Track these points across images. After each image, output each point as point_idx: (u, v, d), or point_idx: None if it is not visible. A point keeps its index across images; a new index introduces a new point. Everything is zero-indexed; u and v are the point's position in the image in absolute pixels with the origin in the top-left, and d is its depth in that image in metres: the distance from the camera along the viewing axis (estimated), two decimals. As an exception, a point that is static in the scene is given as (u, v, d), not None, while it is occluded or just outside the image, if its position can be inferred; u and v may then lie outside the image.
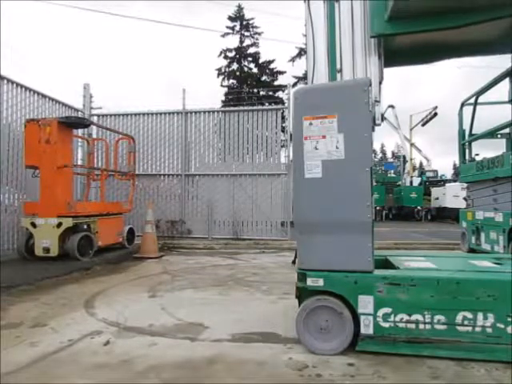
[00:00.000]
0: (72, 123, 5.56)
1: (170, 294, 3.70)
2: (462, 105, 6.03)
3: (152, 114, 8.56)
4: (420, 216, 17.85)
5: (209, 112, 8.47)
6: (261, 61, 23.31)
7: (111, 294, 3.70)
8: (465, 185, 7.23)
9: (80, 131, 7.31)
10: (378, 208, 17.58)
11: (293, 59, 23.13)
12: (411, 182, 19.24)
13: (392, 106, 17.98)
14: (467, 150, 6.20)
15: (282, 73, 23.11)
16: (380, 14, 2.17)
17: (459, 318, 2.06)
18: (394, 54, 2.55)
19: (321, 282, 2.22)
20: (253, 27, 23.45)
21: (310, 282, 2.23)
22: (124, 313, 3.05)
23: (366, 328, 2.15)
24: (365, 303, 2.15)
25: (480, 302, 2.04)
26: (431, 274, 2.21)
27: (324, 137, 2.21)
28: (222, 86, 23.52)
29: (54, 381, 1.92)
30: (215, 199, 8.22)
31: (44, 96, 6.87)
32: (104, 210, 6.00)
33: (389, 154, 61.20)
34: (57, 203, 5.10)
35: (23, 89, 6.35)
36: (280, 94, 20.64)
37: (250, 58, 23.54)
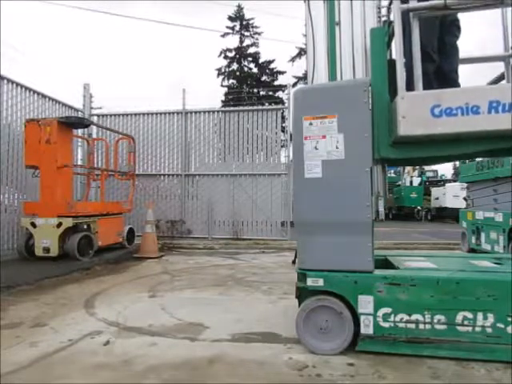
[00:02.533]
0: (72, 123, 5.56)
1: (170, 294, 3.70)
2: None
3: (152, 114, 8.56)
4: (420, 216, 17.85)
5: (209, 112, 8.47)
6: (261, 61, 23.32)
7: (111, 294, 3.70)
8: (465, 185, 7.23)
9: (80, 131, 7.31)
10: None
11: (293, 59, 23.14)
12: (411, 182, 19.22)
13: None
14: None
15: (282, 73, 23.12)
16: (384, 139, 2.21)
17: (459, 317, 2.06)
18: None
19: (321, 282, 2.22)
20: (253, 27, 23.47)
21: (310, 281, 2.23)
22: (124, 313, 3.05)
23: (366, 328, 2.15)
24: (365, 303, 2.15)
25: (480, 302, 2.04)
26: (431, 273, 2.21)
27: (324, 137, 2.21)
28: (222, 86, 23.54)
29: (54, 381, 1.92)
30: (215, 199, 8.21)
31: (44, 96, 6.86)
32: (104, 210, 6.00)
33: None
34: (57, 203, 5.10)
35: (23, 89, 6.35)
36: (280, 93, 20.65)
37: (250, 58, 23.55)
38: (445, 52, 2.62)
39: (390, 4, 2.81)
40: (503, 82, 2.72)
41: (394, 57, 2.25)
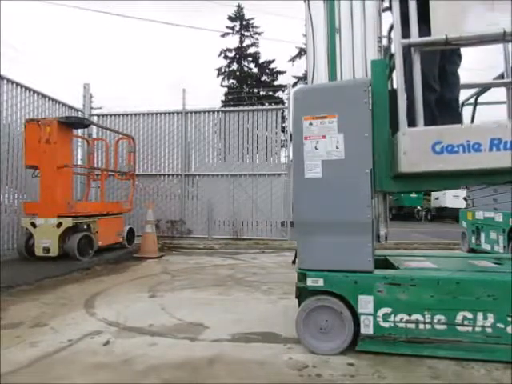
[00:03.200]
0: (72, 123, 5.56)
1: (170, 294, 3.70)
2: (462, 105, 6.02)
3: (152, 113, 8.56)
4: (420, 216, 17.86)
5: (209, 112, 8.46)
6: (261, 61, 23.34)
7: (111, 294, 3.70)
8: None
9: (80, 131, 7.31)
10: None
11: (293, 59, 23.17)
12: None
13: None
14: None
15: (282, 73, 23.14)
16: (385, 172, 2.21)
17: (459, 317, 2.06)
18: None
19: (321, 282, 2.22)
20: (253, 27, 23.49)
21: (310, 282, 2.23)
22: (124, 313, 3.05)
23: (366, 328, 2.15)
24: (365, 303, 2.15)
25: (480, 302, 2.04)
26: (431, 273, 2.21)
27: (324, 137, 2.21)
28: (221, 86, 23.56)
29: (54, 381, 1.92)
30: (215, 199, 8.21)
31: (44, 96, 6.86)
32: (104, 210, 6.00)
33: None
34: (57, 203, 5.10)
35: (23, 89, 6.35)
36: (280, 94, 20.67)
37: (250, 58, 23.57)
38: (446, 81, 2.62)
39: (390, 32, 2.82)
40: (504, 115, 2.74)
41: (395, 85, 2.24)
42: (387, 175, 2.21)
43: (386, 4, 2.64)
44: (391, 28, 2.72)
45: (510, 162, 1.96)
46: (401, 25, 2.14)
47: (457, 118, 2.68)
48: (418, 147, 2.07)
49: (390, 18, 2.39)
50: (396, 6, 2.17)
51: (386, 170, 2.21)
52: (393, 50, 2.28)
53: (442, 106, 2.60)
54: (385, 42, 2.80)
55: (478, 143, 2.01)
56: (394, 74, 2.24)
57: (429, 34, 2.12)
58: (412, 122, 2.15)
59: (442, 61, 2.54)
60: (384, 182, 2.23)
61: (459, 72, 2.69)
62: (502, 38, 2.06)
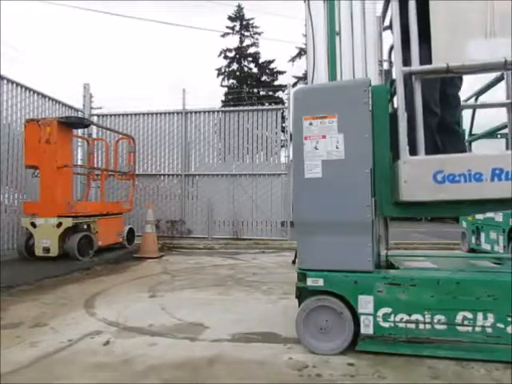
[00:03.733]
0: (72, 123, 5.56)
1: (170, 294, 3.70)
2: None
3: (152, 113, 8.56)
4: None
5: (209, 112, 8.47)
6: (261, 61, 23.31)
7: (111, 294, 3.70)
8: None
9: (80, 131, 7.31)
10: None
11: (293, 59, 23.12)
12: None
13: None
14: (467, 150, 6.19)
15: (282, 73, 23.10)
16: (387, 198, 2.21)
17: (459, 317, 2.06)
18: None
19: (321, 282, 2.22)
20: (253, 27, 23.45)
21: (310, 282, 2.23)
22: (124, 313, 3.05)
23: (366, 328, 2.15)
24: (365, 303, 2.15)
25: (480, 302, 2.04)
26: (431, 273, 2.21)
27: (324, 137, 2.21)
28: (221, 86, 23.52)
29: (54, 381, 1.92)
30: (215, 199, 8.22)
31: (44, 96, 6.87)
32: (104, 210, 6.00)
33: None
34: (57, 203, 5.10)
35: (23, 89, 6.35)
36: (280, 94, 20.64)
37: (250, 58, 23.54)
38: (447, 104, 2.62)
39: (391, 52, 2.82)
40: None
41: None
42: (388, 201, 2.21)
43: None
44: (391, 48, 2.70)
45: (511, 192, 1.95)
46: (401, 42, 2.12)
47: (458, 142, 2.70)
48: (419, 176, 2.07)
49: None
50: (396, 27, 2.15)
51: (386, 196, 2.20)
52: (394, 76, 2.26)
53: (444, 129, 2.60)
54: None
55: (479, 173, 1.99)
56: (395, 99, 2.22)
57: (429, 52, 2.10)
58: (413, 147, 2.14)
59: (443, 84, 2.52)
60: (385, 207, 2.22)
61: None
62: (503, 66, 2.05)
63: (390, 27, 2.34)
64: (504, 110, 2.91)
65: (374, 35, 2.50)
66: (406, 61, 2.12)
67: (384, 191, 2.20)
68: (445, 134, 2.60)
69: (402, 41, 2.14)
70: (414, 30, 2.10)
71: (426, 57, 2.12)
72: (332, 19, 2.44)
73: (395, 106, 2.28)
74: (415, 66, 2.10)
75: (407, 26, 2.10)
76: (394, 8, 2.17)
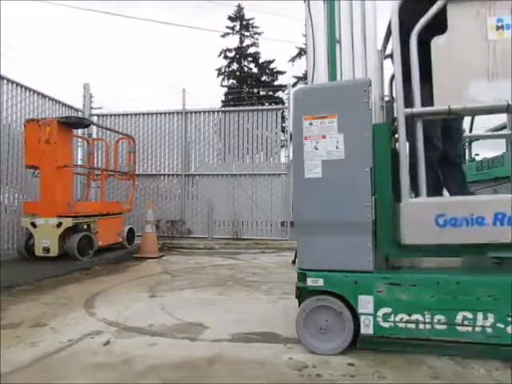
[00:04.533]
0: (72, 123, 5.56)
1: (170, 294, 3.70)
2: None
3: (152, 113, 8.56)
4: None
5: (209, 112, 8.47)
6: (261, 61, 23.30)
7: (111, 294, 3.70)
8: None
9: (80, 131, 7.31)
10: None
11: (293, 59, 23.13)
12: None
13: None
14: (467, 150, 6.20)
15: (282, 73, 23.10)
16: (388, 238, 2.19)
17: (459, 317, 2.05)
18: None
19: (321, 282, 2.21)
20: (253, 27, 23.46)
21: (310, 282, 2.23)
22: (124, 313, 3.05)
23: (366, 328, 2.15)
24: (365, 303, 2.15)
25: (480, 302, 2.04)
26: (431, 274, 2.21)
27: (324, 137, 2.21)
28: (221, 86, 23.52)
29: (54, 381, 1.92)
30: (215, 199, 8.22)
31: (44, 96, 6.87)
32: (104, 210, 6.00)
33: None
34: (57, 203, 5.10)
35: (23, 89, 6.35)
36: (280, 94, 20.62)
37: (250, 58, 23.54)
38: (449, 137, 2.61)
39: (392, 80, 2.81)
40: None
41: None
42: (389, 242, 2.19)
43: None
44: (393, 78, 2.68)
45: (511, 238, 1.93)
46: (402, 74, 2.11)
47: (459, 175, 2.71)
48: (421, 219, 2.05)
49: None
50: (398, 67, 2.12)
51: (388, 237, 2.19)
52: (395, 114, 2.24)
53: (445, 162, 2.60)
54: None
55: (481, 217, 1.97)
56: (397, 137, 2.22)
57: (431, 92, 2.09)
58: (414, 184, 2.14)
59: (446, 118, 2.49)
60: (386, 248, 2.21)
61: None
62: (505, 110, 2.05)
63: (391, 56, 2.32)
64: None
65: (376, 65, 2.48)
66: (407, 94, 2.10)
67: (385, 232, 2.18)
68: (446, 167, 2.60)
69: (403, 78, 2.12)
70: (416, 71, 2.08)
71: (427, 97, 2.09)
72: (332, 19, 2.44)
73: (397, 145, 2.28)
74: (417, 107, 2.09)
75: (408, 64, 2.08)
76: (395, 44, 2.14)
